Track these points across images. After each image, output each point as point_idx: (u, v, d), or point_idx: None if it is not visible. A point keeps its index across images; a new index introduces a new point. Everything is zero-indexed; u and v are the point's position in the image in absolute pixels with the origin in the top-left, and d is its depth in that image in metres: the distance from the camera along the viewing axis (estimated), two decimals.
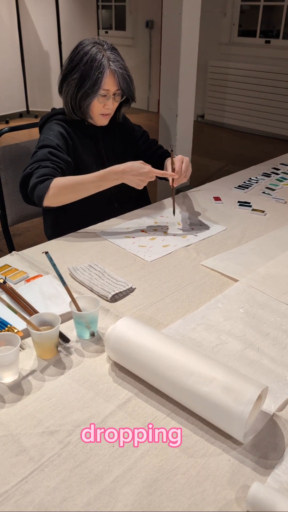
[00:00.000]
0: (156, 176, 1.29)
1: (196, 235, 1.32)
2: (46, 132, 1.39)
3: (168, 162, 1.41)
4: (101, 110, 1.38)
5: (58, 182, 1.24)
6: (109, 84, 1.32)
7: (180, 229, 1.36)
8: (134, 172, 1.23)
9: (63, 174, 1.31)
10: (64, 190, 1.24)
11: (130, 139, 1.56)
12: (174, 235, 1.32)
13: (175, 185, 1.33)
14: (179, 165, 1.33)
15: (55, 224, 1.48)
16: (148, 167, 1.25)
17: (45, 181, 1.24)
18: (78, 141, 1.42)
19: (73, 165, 1.39)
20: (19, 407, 0.73)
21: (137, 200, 1.54)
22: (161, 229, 1.35)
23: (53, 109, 1.47)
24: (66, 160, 1.33)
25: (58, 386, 0.77)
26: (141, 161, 1.26)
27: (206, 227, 1.37)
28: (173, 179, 1.32)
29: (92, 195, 1.29)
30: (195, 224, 1.39)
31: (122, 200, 1.48)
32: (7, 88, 5.50)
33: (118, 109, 1.47)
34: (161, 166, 1.57)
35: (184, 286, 1.07)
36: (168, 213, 1.46)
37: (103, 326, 0.92)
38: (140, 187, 1.27)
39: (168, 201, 1.57)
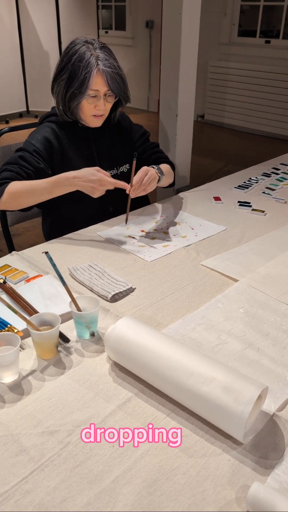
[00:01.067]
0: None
1: (196, 235, 1.32)
2: (33, 135, 1.37)
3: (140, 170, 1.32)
4: (92, 111, 1.34)
5: (12, 187, 1.23)
6: (97, 84, 1.27)
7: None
8: (84, 179, 1.20)
9: (29, 179, 1.28)
10: (16, 195, 1.24)
11: (127, 140, 1.52)
12: (174, 235, 1.32)
13: (132, 196, 1.26)
14: (141, 175, 1.26)
15: (51, 227, 1.47)
16: (100, 175, 1.19)
17: (3, 185, 1.24)
18: (69, 144, 1.39)
19: (61, 169, 1.32)
20: (19, 407, 0.73)
21: (135, 201, 1.52)
22: (161, 229, 1.35)
23: (53, 108, 1.45)
24: (36, 166, 1.30)
25: (58, 386, 0.77)
26: (97, 168, 1.22)
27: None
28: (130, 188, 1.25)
29: (87, 198, 1.27)
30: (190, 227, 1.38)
31: (116, 203, 1.45)
32: (7, 88, 5.50)
33: (114, 109, 1.43)
34: None
35: (184, 286, 1.07)
36: (168, 213, 1.46)
37: (103, 326, 0.92)
38: (95, 195, 1.22)
39: (167, 201, 1.57)
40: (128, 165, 1.51)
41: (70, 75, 1.28)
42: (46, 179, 1.24)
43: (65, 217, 1.42)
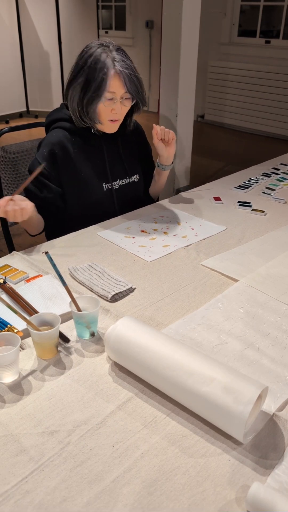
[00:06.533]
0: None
1: (196, 235, 1.32)
2: (41, 149, 1.34)
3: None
4: (109, 115, 1.29)
5: None
6: (114, 86, 1.24)
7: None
8: None
9: (39, 210, 1.31)
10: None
11: (140, 150, 1.52)
12: (174, 235, 1.32)
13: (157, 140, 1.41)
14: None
15: (56, 227, 1.45)
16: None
17: None
18: (79, 153, 1.36)
19: (67, 179, 1.35)
20: (19, 407, 0.73)
21: (136, 200, 1.52)
22: (161, 229, 1.35)
23: (58, 110, 1.40)
24: (40, 197, 1.32)
25: (58, 386, 0.77)
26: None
27: (205, 228, 1.37)
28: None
29: (94, 200, 1.33)
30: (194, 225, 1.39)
31: (123, 204, 1.46)
32: (7, 88, 5.50)
33: (129, 115, 1.40)
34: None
35: (184, 286, 1.07)
36: (168, 213, 1.46)
37: (103, 326, 0.92)
38: (11, 219, 1.15)
39: (167, 201, 1.57)
40: (138, 175, 1.49)
41: (86, 78, 1.24)
42: None
43: (71, 216, 1.41)
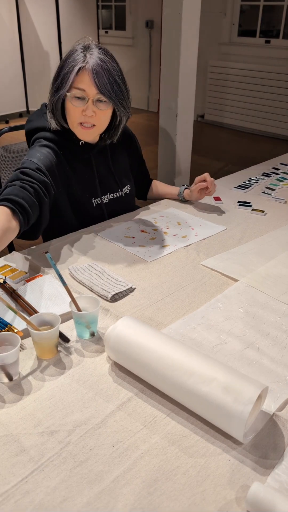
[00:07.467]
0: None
1: (196, 235, 1.32)
2: (32, 153, 1.20)
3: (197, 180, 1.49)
4: (79, 118, 1.17)
5: None
6: (82, 81, 1.12)
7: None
8: None
9: (37, 194, 1.09)
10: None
11: (131, 157, 1.48)
12: (174, 235, 1.32)
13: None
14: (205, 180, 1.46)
15: (48, 233, 1.39)
16: None
17: (3, 200, 1.03)
18: (68, 166, 1.28)
19: (62, 193, 1.27)
20: (19, 407, 0.73)
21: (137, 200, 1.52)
22: (161, 229, 1.35)
23: (43, 106, 1.28)
24: (42, 180, 1.13)
25: (58, 386, 0.77)
26: None
27: (206, 227, 1.37)
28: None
29: (85, 215, 1.32)
30: (194, 224, 1.39)
31: (112, 211, 1.43)
32: (7, 88, 5.50)
33: (116, 127, 1.28)
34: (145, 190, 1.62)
35: (184, 286, 1.07)
36: (168, 213, 1.46)
37: (103, 326, 0.92)
38: None
39: (167, 201, 1.57)
40: (129, 186, 1.45)
41: (57, 74, 1.17)
42: None
43: (62, 222, 1.35)
